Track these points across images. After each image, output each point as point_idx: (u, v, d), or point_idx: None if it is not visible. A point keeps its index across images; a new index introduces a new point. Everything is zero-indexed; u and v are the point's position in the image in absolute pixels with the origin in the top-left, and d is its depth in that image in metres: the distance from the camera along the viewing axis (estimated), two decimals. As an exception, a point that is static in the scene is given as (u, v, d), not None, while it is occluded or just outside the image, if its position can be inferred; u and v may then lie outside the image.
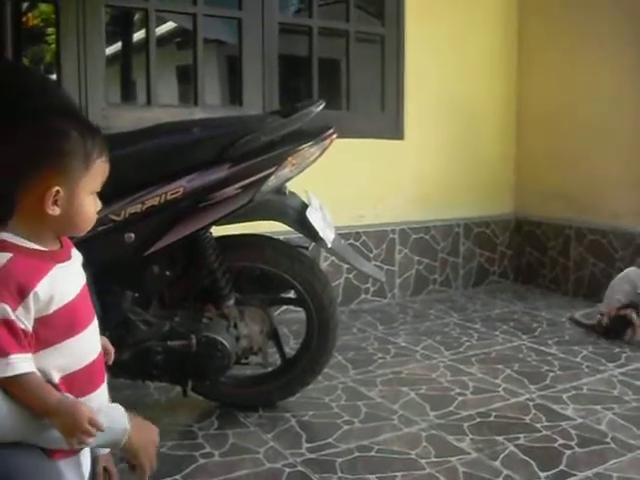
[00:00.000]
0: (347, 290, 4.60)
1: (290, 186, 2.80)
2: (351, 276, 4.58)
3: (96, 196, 1.42)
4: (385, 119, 4.92)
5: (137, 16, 9.03)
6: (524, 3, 5.43)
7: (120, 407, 1.46)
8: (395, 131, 4.91)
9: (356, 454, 2.60)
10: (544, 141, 5.33)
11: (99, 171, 1.40)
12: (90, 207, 1.39)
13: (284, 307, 3.78)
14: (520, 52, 5.46)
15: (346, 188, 4.62)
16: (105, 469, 1.64)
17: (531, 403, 3.07)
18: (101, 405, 1.43)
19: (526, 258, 5.37)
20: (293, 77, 5.17)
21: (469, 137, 5.23)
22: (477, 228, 5.21)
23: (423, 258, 4.94)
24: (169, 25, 9.57)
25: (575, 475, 2.46)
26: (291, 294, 2.94)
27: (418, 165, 4.98)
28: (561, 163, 5.20)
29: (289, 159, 2.57)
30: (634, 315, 3.90)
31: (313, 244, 2.88)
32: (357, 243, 4.61)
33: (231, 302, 2.75)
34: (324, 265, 4.41)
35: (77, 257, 1.45)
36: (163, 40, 9.64)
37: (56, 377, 1.36)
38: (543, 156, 5.33)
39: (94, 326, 1.45)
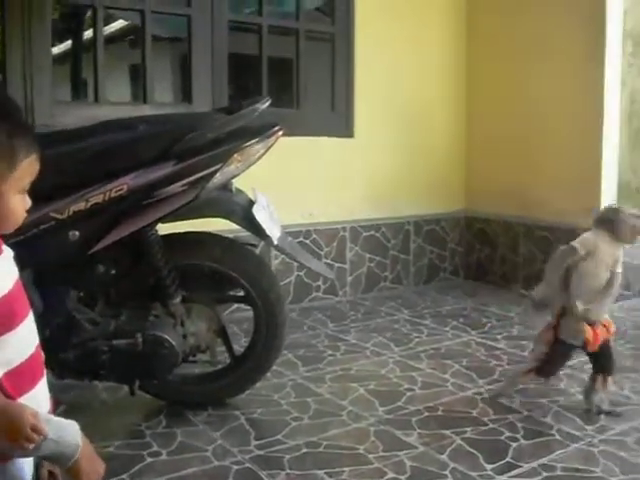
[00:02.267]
0: (298, 288, 4.60)
1: (241, 184, 2.80)
2: (302, 274, 4.59)
3: (25, 195, 1.40)
4: (335, 117, 4.93)
5: (88, 14, 8.93)
6: (474, 2, 5.49)
7: (76, 425, 1.44)
8: (345, 129, 4.93)
9: (304, 450, 2.60)
10: (493, 140, 5.40)
11: (27, 171, 1.38)
12: (17, 206, 1.38)
13: (236, 305, 3.77)
14: (469, 52, 5.52)
15: (297, 186, 4.64)
16: (50, 473, 1.62)
17: (479, 397, 3.11)
18: (57, 419, 1.41)
19: (476, 255, 5.43)
20: (244, 75, 5.15)
21: (419, 135, 5.27)
22: (428, 225, 5.25)
23: (374, 256, 4.96)
24: (121, 23, 9.49)
25: (520, 466, 2.50)
26: (239, 292, 2.93)
27: (368, 163, 5.00)
28: (510, 162, 5.27)
29: (235, 156, 2.56)
30: None
31: (262, 242, 2.88)
32: (307, 241, 4.62)
33: (177, 300, 2.73)
34: (275, 263, 4.41)
35: (8, 252, 1.43)
36: (115, 38, 9.57)
37: (0, 373, 1.35)
38: (492, 155, 5.40)
39: (30, 319, 1.44)
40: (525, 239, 5.09)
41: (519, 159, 5.21)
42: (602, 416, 2.92)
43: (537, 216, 5.04)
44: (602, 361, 2.98)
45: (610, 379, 2.99)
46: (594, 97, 4.75)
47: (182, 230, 2.79)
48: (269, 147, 2.67)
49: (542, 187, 5.03)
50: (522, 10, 5.14)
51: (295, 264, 4.45)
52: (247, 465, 2.49)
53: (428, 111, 5.35)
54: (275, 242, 2.68)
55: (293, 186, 4.62)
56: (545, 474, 2.45)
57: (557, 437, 2.74)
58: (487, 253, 5.34)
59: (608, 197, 4.81)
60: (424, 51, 5.29)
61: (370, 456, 2.56)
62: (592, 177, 4.77)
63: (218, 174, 2.54)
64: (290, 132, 4.56)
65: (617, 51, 4.82)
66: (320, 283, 4.72)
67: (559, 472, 2.47)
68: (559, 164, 4.95)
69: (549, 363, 3.00)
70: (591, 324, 2.87)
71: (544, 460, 2.55)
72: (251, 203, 2.71)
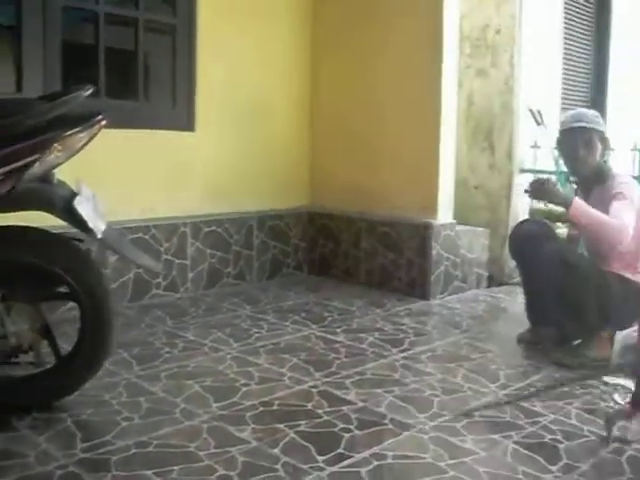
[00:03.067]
0: (137, 285, 4.46)
1: (77, 176, 2.67)
2: (141, 271, 4.45)
3: None
4: (176, 111, 4.82)
5: None
6: (316, 8, 5.53)
7: None
8: (186, 123, 4.83)
9: (133, 450, 2.50)
10: (337, 136, 5.45)
11: None
12: None
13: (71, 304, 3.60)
14: (313, 47, 5.55)
15: (136, 180, 4.51)
16: None
17: (315, 390, 3.10)
18: None
19: (320, 250, 5.46)
20: (83, 66, 4.94)
21: (263, 131, 5.25)
22: (271, 221, 5.22)
23: (216, 251, 4.88)
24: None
25: (352, 457, 2.50)
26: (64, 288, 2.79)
27: (211, 158, 4.93)
28: (353, 158, 5.33)
29: (55, 145, 2.44)
30: None
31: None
32: (146, 237, 4.48)
33: (-5, 298, 2.58)
34: (112, 260, 4.26)
35: None
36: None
37: None
38: (336, 151, 5.45)
39: None
40: (367, 234, 5.16)
41: (361, 156, 5.29)
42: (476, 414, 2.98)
43: (378, 212, 5.12)
44: None
45: None
46: (432, 97, 4.88)
47: (2, 224, 2.63)
48: (92, 136, 2.56)
49: (383, 183, 5.12)
50: (366, 9, 5.22)
51: (134, 261, 4.32)
52: (71, 469, 2.37)
53: (271, 106, 5.33)
54: (99, 236, 2.56)
55: (133, 180, 4.48)
56: (376, 463, 2.47)
57: (390, 426, 2.78)
58: (330, 248, 5.38)
59: (446, 194, 4.95)
60: (267, 45, 5.26)
61: (201, 453, 2.49)
62: (430, 174, 4.90)
63: (37, 164, 2.41)
64: (131, 125, 4.49)
65: (454, 53, 4.97)
66: (160, 280, 4.60)
67: (390, 460, 2.50)
68: (399, 161, 5.05)
69: None
70: None
71: (376, 449, 2.57)
72: (73, 195, 2.58)
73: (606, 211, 3.51)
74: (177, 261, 4.66)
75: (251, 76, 5.15)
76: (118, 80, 4.79)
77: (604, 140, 3.73)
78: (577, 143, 3.75)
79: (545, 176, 3.98)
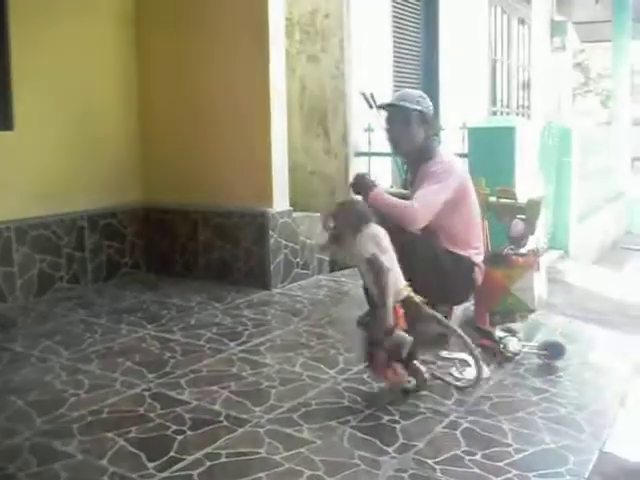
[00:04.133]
0: (-41, 298, 4.17)
1: None
2: (-38, 282, 4.16)
3: None
4: (-10, 109, 4.54)
5: None
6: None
7: None
8: (4, 122, 4.55)
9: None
10: (168, 130, 5.30)
11: None
12: None
13: None
14: (138, 39, 5.36)
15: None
16: None
17: (147, 393, 2.98)
18: None
19: (157, 246, 5.28)
20: None
21: (90, 129, 5.02)
22: (103, 220, 5.00)
23: (45, 255, 4.63)
24: None
25: (184, 459, 2.42)
26: None
27: (34, 158, 4.66)
28: (185, 151, 5.21)
29: None
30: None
31: None
32: (-35, 245, 4.20)
33: None
34: None
35: None
36: None
37: None
38: (168, 143, 5.30)
39: None
40: (203, 227, 5.04)
41: (194, 147, 5.16)
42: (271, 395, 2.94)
43: (214, 203, 5.01)
44: None
45: None
46: (261, 84, 4.82)
47: None
48: None
49: (217, 174, 5.02)
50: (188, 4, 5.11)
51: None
52: None
53: (98, 101, 5.11)
54: None
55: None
56: (209, 463, 2.40)
57: (225, 423, 2.71)
58: (167, 244, 5.21)
59: (280, 181, 4.90)
60: (91, 37, 5.03)
61: (21, 474, 2.33)
62: (263, 162, 4.84)
63: None
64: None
65: (280, 40, 4.92)
66: (-14, 290, 4.32)
67: (224, 459, 2.43)
68: (232, 151, 4.97)
69: None
70: None
71: (209, 449, 2.49)
72: None
73: None
74: (2, 269, 4.38)
75: (76, 70, 4.91)
76: None
77: (426, 120, 3.74)
78: (394, 121, 3.79)
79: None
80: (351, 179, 3.82)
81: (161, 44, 5.25)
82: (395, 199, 3.57)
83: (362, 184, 3.65)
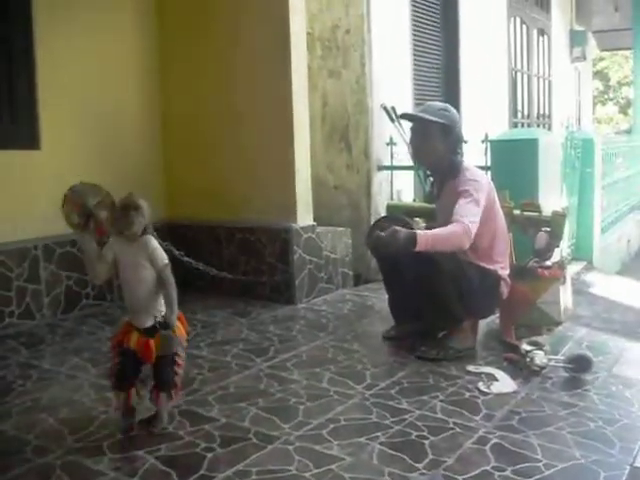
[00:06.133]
0: (-12, 316, 4.21)
1: None
2: (-11, 300, 4.21)
3: None
4: (17, 128, 4.59)
5: None
6: (163, 12, 5.41)
7: None
8: (30, 141, 4.61)
9: (-22, 500, 2.34)
10: (191, 144, 5.35)
11: None
12: None
13: None
14: (162, 53, 5.44)
15: (-23, 206, 4.27)
16: None
17: (176, 410, 2.98)
18: None
19: (181, 262, 5.28)
20: None
21: (114, 145, 5.08)
22: (128, 236, 5.04)
23: (72, 272, 4.67)
24: None
25: (215, 477, 2.42)
26: None
27: (60, 175, 4.65)
28: (208, 166, 5.26)
29: None
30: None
31: None
32: (-6, 264, 4.25)
33: None
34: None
35: None
36: None
37: None
38: (191, 159, 5.35)
39: None
40: (227, 242, 5.07)
41: (216, 163, 5.21)
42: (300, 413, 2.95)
43: (238, 218, 5.04)
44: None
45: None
46: (284, 100, 4.86)
47: None
48: None
49: (240, 189, 5.06)
50: (214, 12, 5.15)
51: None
52: None
53: (121, 117, 5.17)
54: None
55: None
56: (240, 481, 2.39)
57: (254, 440, 2.71)
58: (192, 259, 5.23)
59: (303, 196, 4.93)
60: (115, 55, 5.11)
61: (51, 495, 2.35)
62: (286, 178, 4.87)
63: None
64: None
65: (302, 55, 4.95)
66: (14, 308, 4.36)
67: (254, 476, 2.43)
68: (255, 167, 5.01)
69: None
70: None
71: (240, 466, 2.49)
72: None
73: (454, 205, 3.56)
74: (30, 287, 4.43)
75: (98, 87, 4.98)
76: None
77: (448, 132, 3.74)
78: (414, 133, 3.82)
79: (379, 232, 3.54)
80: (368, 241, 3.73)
81: (183, 57, 5.33)
82: (438, 230, 3.51)
83: (398, 239, 3.40)
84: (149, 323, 2.74)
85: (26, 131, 4.61)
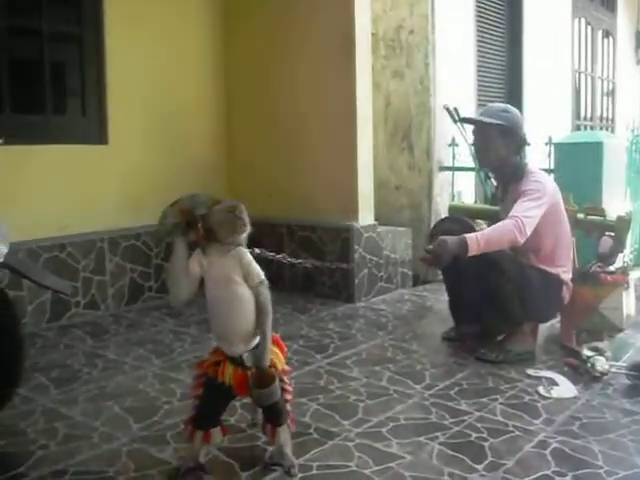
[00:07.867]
0: (55, 305, 4.31)
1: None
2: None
3: None
4: (87, 123, 4.71)
5: None
6: (229, 10, 5.47)
7: None
8: (98, 136, 4.72)
9: (49, 480, 2.41)
10: (255, 140, 5.42)
11: None
12: None
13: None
14: (227, 53, 5.52)
15: (48, 197, 4.40)
16: None
17: (238, 403, 3.02)
18: None
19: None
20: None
21: (179, 140, 5.17)
22: (191, 231, 5.12)
23: (136, 265, 4.77)
24: None
25: (276, 470, 2.46)
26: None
27: (126, 170, 4.83)
28: (271, 163, 5.32)
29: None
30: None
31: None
32: (62, 255, 4.35)
33: None
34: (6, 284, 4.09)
35: None
36: None
37: None
38: (255, 155, 5.42)
39: None
40: (288, 239, 5.12)
41: (280, 160, 5.26)
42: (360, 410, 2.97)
43: (299, 216, 5.09)
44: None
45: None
46: (348, 99, 4.89)
47: None
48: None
49: (302, 187, 5.11)
50: (281, 14, 5.20)
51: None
52: (-17, 505, 2.27)
53: (187, 113, 5.26)
54: (0, 259, 2.45)
55: (44, 197, 4.38)
56: (301, 475, 2.43)
57: (315, 436, 2.74)
58: (253, 256, 5.28)
59: (365, 195, 4.95)
60: (181, 52, 5.20)
61: (120, 477, 2.41)
62: (349, 177, 4.90)
63: None
64: (38, 140, 4.36)
65: (367, 55, 4.97)
66: (80, 298, 4.47)
67: (315, 471, 2.46)
68: (317, 165, 5.04)
69: None
70: None
71: (301, 460, 2.52)
72: (-29, 219, 2.47)
73: None
74: (96, 278, 4.54)
75: (165, 83, 5.09)
76: (25, 93, 4.62)
77: (508, 133, 3.70)
78: (475, 135, 3.80)
79: (429, 246, 3.50)
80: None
81: (249, 57, 5.40)
82: (488, 229, 3.51)
83: (446, 249, 3.38)
84: (243, 351, 2.38)
85: (95, 127, 4.72)
